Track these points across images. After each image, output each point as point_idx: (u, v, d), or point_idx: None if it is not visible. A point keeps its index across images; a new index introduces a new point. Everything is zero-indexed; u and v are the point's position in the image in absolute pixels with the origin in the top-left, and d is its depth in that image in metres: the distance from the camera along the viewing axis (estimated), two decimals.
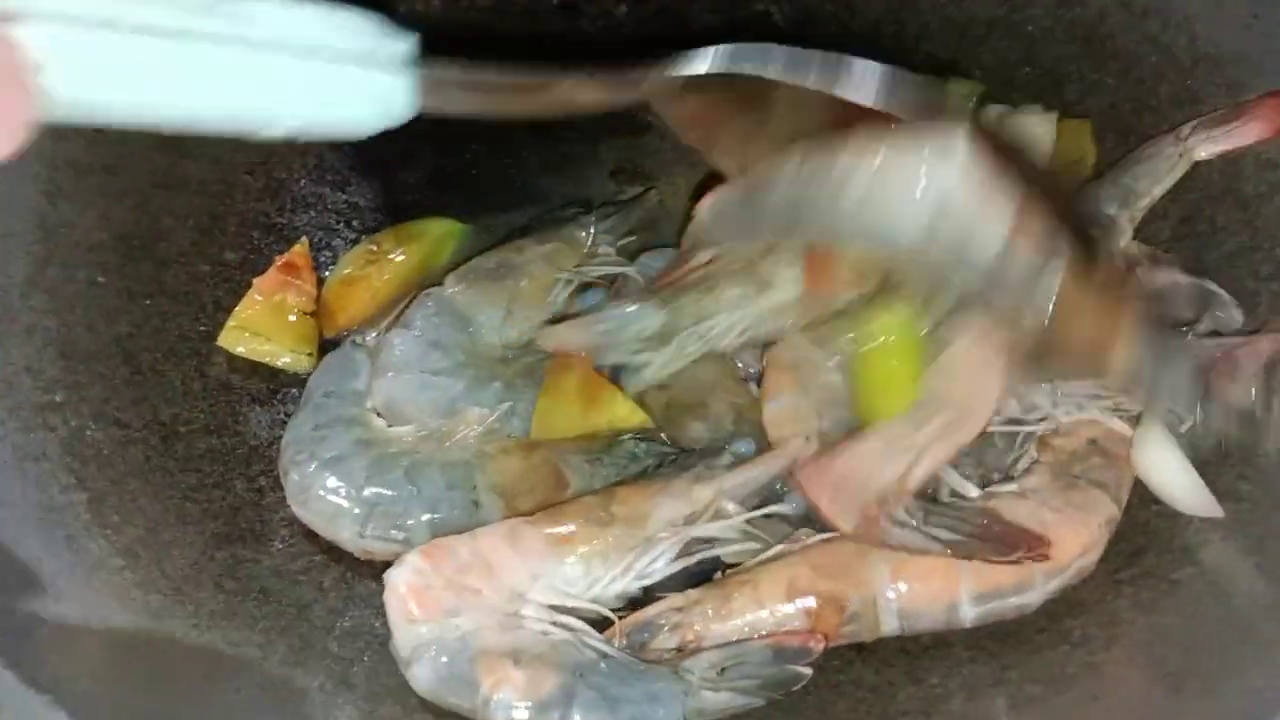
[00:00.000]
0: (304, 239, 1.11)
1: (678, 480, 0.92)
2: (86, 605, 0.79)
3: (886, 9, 1.27)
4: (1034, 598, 0.88)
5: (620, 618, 0.87)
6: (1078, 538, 0.89)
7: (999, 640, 0.87)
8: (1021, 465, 0.96)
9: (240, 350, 1.04)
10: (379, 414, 1.00)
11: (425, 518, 0.93)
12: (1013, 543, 0.87)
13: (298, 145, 1.17)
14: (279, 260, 1.08)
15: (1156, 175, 1.10)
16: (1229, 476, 0.93)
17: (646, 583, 0.89)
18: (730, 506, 0.92)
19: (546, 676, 0.82)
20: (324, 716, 0.81)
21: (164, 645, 0.80)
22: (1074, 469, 0.93)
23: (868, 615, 0.88)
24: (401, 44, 0.64)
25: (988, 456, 0.96)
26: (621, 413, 0.99)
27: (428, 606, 0.84)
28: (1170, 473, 0.93)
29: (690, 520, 0.90)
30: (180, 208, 1.10)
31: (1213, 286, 1.02)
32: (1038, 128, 1.09)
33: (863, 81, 0.74)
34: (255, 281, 1.06)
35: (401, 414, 0.99)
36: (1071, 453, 0.95)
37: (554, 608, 0.87)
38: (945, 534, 0.88)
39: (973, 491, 0.93)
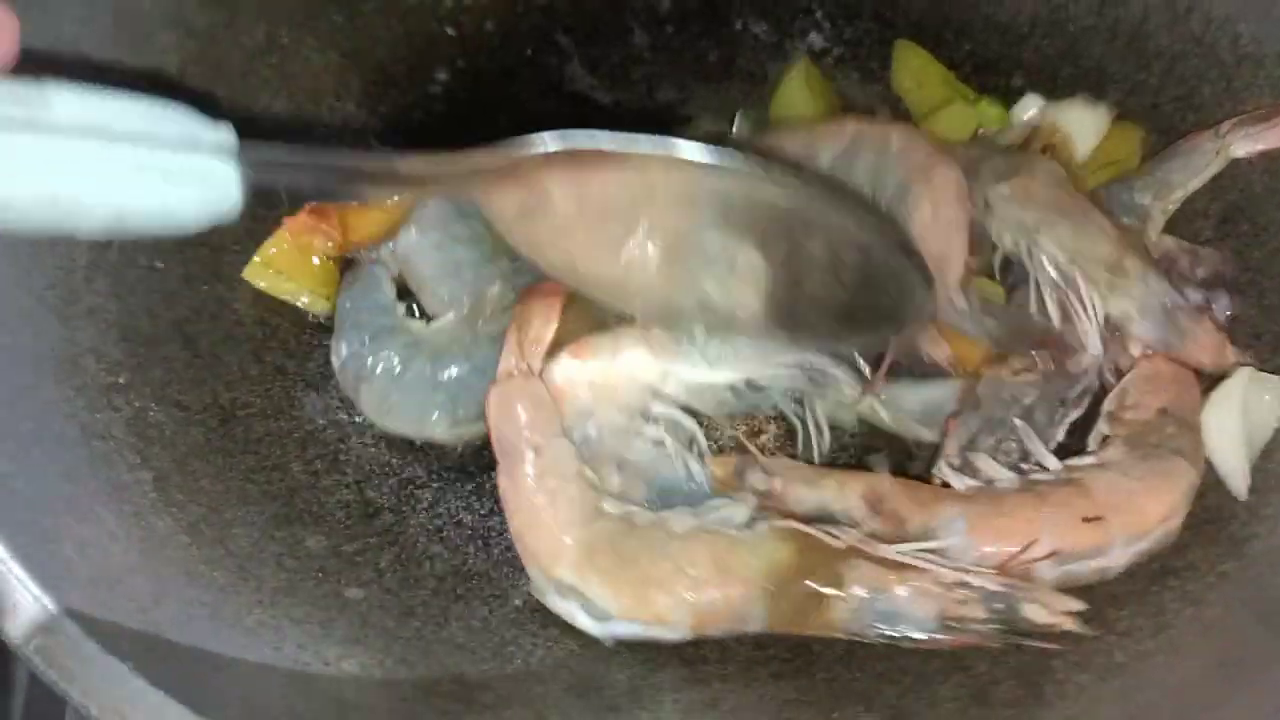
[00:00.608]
0: None
1: None
2: (158, 580, 0.81)
3: (930, 6, 1.28)
4: (1115, 561, 0.89)
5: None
6: (1160, 503, 0.91)
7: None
8: (1094, 439, 0.98)
9: (263, 285, 1.06)
10: (413, 312, 1.07)
11: None
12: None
13: (345, 136, 1.18)
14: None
15: (1193, 169, 1.11)
16: (1274, 472, 0.94)
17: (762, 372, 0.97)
18: None
19: (636, 487, 0.94)
20: (383, 690, 0.82)
21: (230, 619, 0.81)
22: (1150, 439, 0.95)
23: (922, 540, 0.89)
24: (220, 131, 0.63)
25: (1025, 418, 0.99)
26: None
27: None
28: (1226, 439, 0.95)
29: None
30: None
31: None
32: (1085, 118, 1.11)
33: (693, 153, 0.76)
34: (286, 220, 1.07)
35: (416, 272, 1.06)
36: (1145, 423, 0.96)
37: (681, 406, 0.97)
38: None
39: (1053, 463, 0.95)
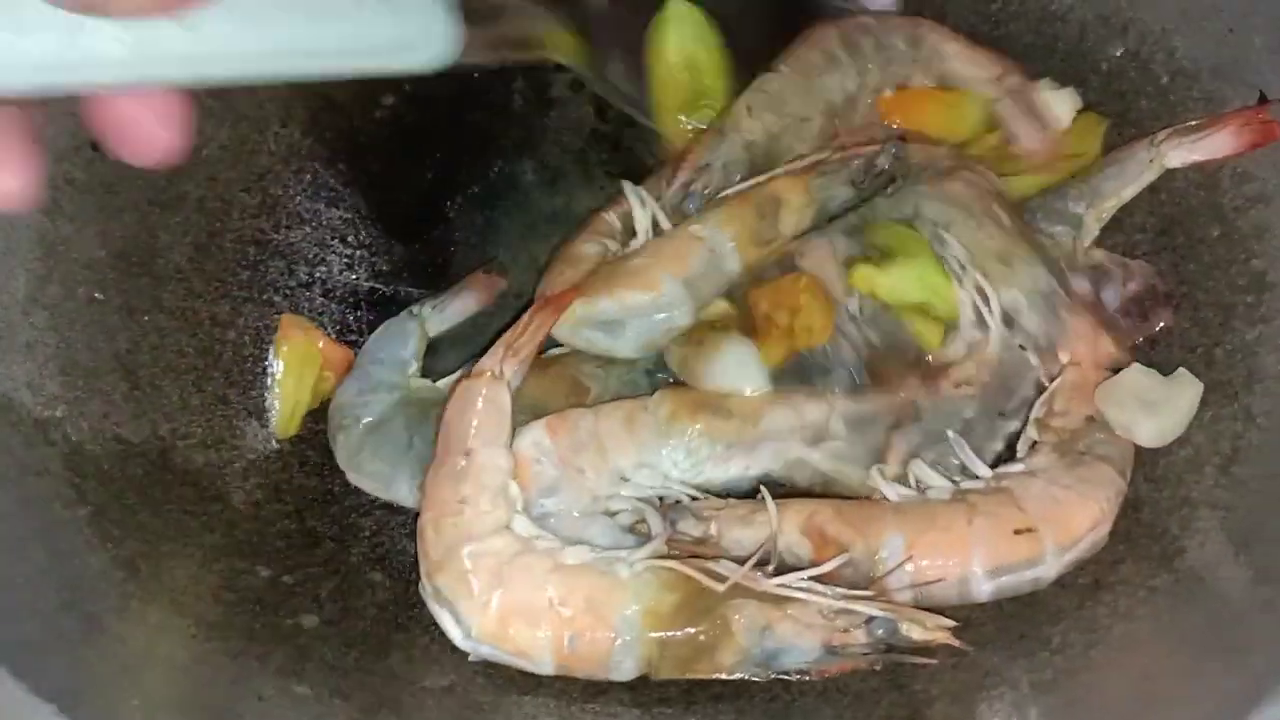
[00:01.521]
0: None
1: (796, 394, 0.97)
2: (89, 618, 0.80)
3: None
4: (1049, 571, 0.90)
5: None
6: (1089, 512, 0.91)
7: (980, 646, 0.89)
8: (1023, 446, 0.99)
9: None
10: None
11: None
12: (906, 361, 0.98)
13: (291, 163, 1.18)
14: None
15: (1127, 178, 1.11)
16: (1207, 484, 0.95)
17: (747, 474, 0.97)
18: (839, 428, 0.97)
19: None
20: None
21: (165, 656, 0.81)
22: (1078, 445, 0.96)
23: (867, 566, 0.90)
24: None
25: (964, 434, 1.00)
26: None
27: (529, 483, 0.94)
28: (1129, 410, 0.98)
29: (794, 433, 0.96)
30: (177, 225, 1.11)
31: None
32: (1058, 103, 1.11)
33: None
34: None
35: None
36: (1073, 431, 0.97)
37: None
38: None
39: (984, 470, 0.97)
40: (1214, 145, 1.09)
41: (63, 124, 1.07)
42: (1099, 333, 1.03)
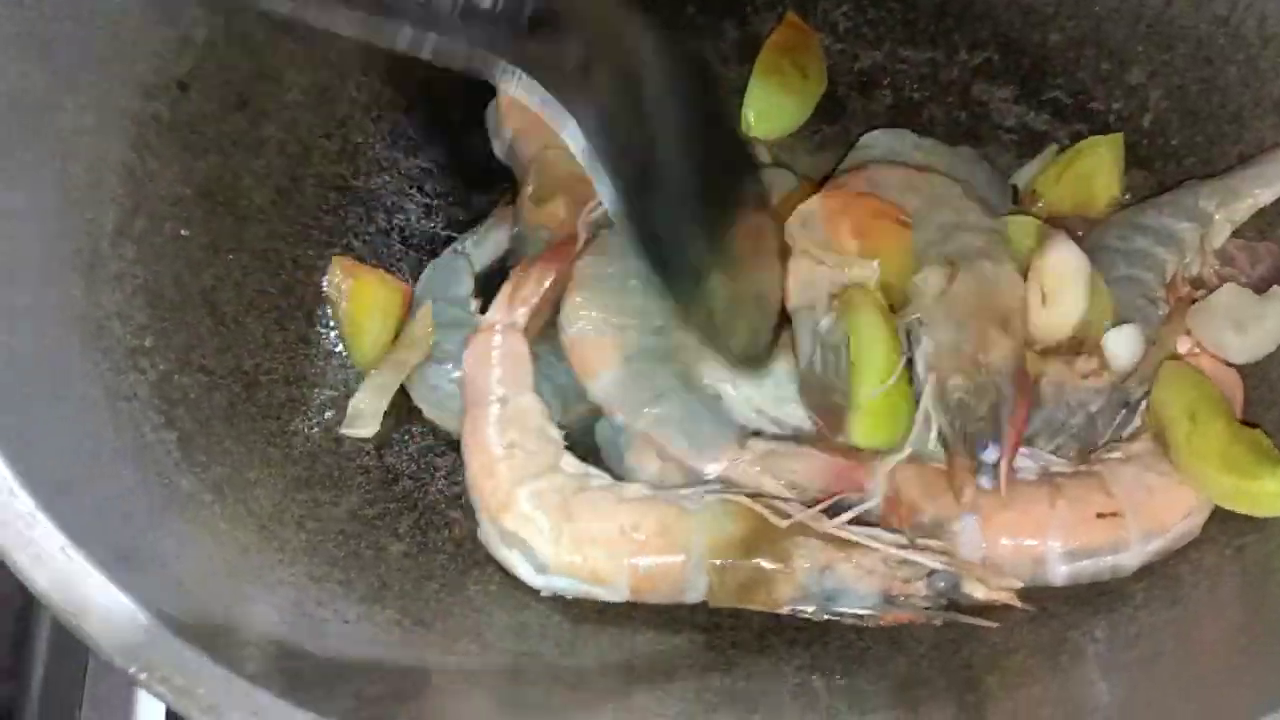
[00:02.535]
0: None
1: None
2: (181, 537, 0.81)
3: None
4: (1132, 559, 0.89)
5: None
6: (1181, 501, 0.90)
7: (1062, 602, 0.88)
8: (1126, 432, 0.97)
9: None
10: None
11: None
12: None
13: (371, 111, 1.19)
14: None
15: (1267, 179, 1.05)
16: None
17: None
18: None
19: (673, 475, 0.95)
20: (404, 651, 0.83)
21: (253, 575, 0.82)
22: None
23: (934, 532, 0.90)
24: None
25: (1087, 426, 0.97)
26: None
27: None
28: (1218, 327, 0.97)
29: None
30: (260, 168, 1.12)
31: None
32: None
33: None
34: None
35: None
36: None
37: None
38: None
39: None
40: None
41: (150, 62, 1.09)
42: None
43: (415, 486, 1.01)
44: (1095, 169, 1.15)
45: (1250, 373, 0.99)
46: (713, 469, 0.93)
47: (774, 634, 0.92)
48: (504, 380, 0.95)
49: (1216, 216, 1.04)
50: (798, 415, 0.96)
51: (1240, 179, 1.06)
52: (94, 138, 1.02)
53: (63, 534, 0.71)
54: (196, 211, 1.06)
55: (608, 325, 0.98)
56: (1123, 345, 0.95)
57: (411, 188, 1.17)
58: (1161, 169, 1.18)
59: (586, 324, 0.98)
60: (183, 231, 1.04)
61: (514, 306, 0.98)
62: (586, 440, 1.00)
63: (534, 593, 0.92)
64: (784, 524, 0.88)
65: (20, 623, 1.05)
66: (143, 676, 0.66)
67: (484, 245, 1.12)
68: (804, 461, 0.93)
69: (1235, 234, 1.06)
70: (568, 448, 0.96)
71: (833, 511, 0.90)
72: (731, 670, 0.88)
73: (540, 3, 0.72)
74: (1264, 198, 1.04)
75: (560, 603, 0.91)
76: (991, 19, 1.28)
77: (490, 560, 0.95)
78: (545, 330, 1.02)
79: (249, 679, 0.67)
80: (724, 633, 0.92)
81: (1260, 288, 1.00)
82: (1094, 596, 0.90)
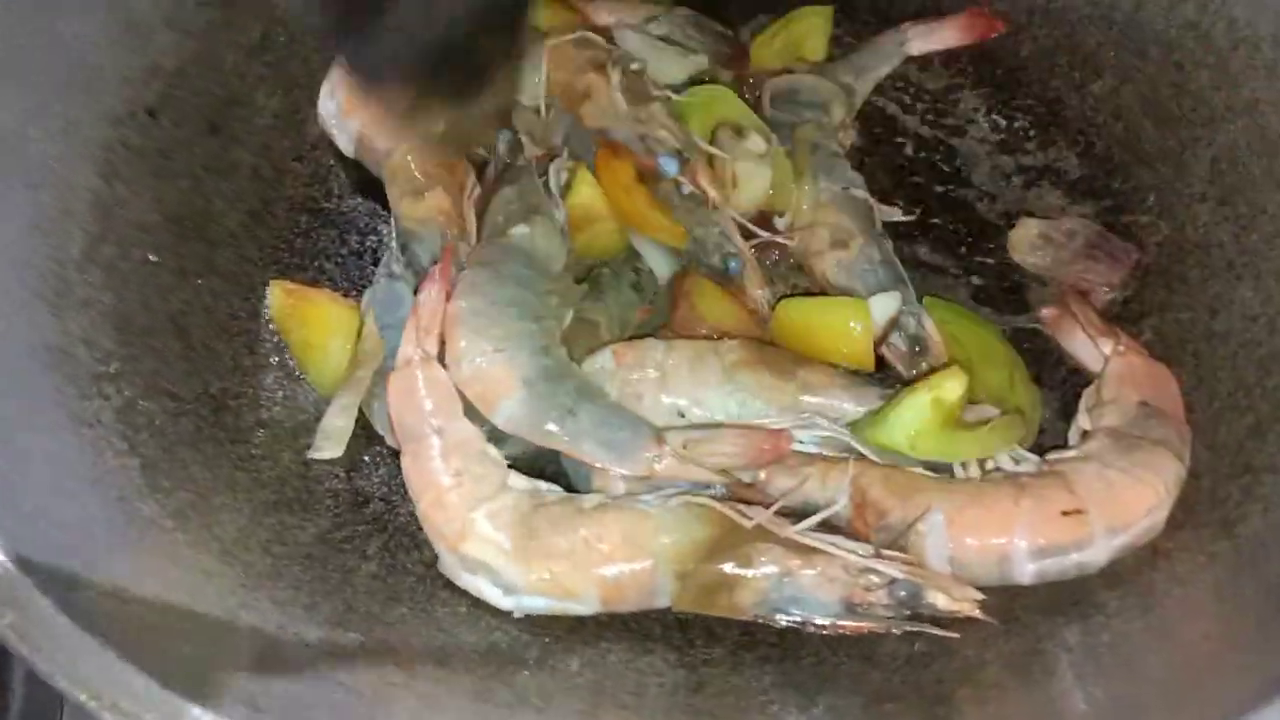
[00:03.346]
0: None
1: (865, 382, 0.99)
2: (139, 562, 0.81)
3: None
4: (1097, 555, 0.88)
5: None
6: (1143, 496, 0.90)
7: (1034, 613, 0.87)
8: (1074, 435, 0.98)
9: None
10: None
11: None
12: None
13: None
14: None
15: (884, 57, 1.27)
16: (1269, 450, 0.93)
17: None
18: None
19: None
20: (367, 674, 0.82)
21: (214, 601, 0.82)
22: (1133, 431, 0.94)
23: (901, 532, 0.90)
24: None
25: None
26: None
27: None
28: None
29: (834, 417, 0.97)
30: (231, 191, 1.13)
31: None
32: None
33: None
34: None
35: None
36: (1127, 417, 0.96)
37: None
38: None
39: (1032, 458, 0.96)
40: (948, 35, 1.27)
41: (119, 90, 1.09)
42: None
43: (385, 509, 1.00)
44: (807, 33, 1.27)
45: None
46: (638, 470, 0.93)
47: (746, 650, 0.91)
48: (436, 412, 0.94)
49: (856, 86, 1.23)
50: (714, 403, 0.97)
51: (863, 57, 1.26)
52: (62, 166, 1.02)
53: (12, 561, 0.70)
54: (166, 237, 1.06)
55: (496, 355, 0.95)
56: (879, 309, 1.04)
57: (384, 209, 1.17)
58: (1136, 174, 1.17)
59: (475, 357, 0.96)
60: (151, 257, 1.04)
61: (421, 337, 0.97)
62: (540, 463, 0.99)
63: (504, 615, 0.91)
64: (749, 524, 0.87)
65: None
66: (92, 704, 0.65)
67: (414, 263, 1.07)
68: (726, 442, 0.93)
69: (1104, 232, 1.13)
70: (511, 467, 0.95)
71: (799, 517, 0.90)
72: (703, 689, 0.88)
73: None
74: (882, 72, 1.26)
75: (529, 624, 0.91)
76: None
77: None
78: None
79: (203, 704, 0.67)
80: (696, 650, 0.91)
81: (1093, 251, 1.11)
82: (1066, 606, 0.89)
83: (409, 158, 1.09)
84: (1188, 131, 1.15)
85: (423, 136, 1.07)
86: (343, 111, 1.14)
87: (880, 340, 1.04)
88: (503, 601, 0.90)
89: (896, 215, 1.15)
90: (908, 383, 0.98)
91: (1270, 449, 0.93)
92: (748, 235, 1.10)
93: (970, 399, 0.96)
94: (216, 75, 1.16)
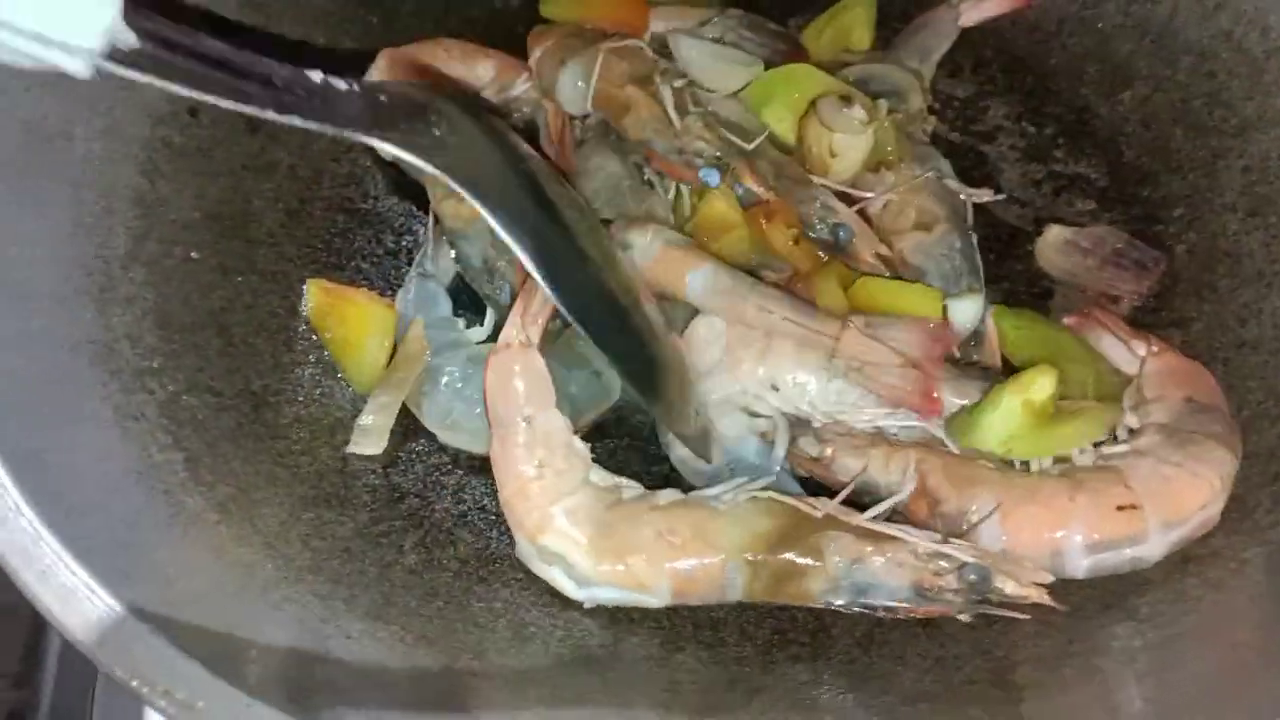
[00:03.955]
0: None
1: (967, 376, 0.99)
2: (185, 554, 0.83)
3: None
4: (1152, 550, 0.89)
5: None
6: (1199, 490, 0.90)
7: (1067, 616, 0.88)
8: (1121, 433, 0.98)
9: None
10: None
11: None
12: None
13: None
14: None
15: (944, 35, 1.27)
16: None
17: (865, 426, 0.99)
18: None
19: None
20: (405, 665, 0.83)
21: (257, 592, 0.83)
22: (1185, 426, 0.95)
23: (956, 522, 0.91)
24: None
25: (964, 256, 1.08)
26: None
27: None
28: None
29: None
30: (270, 191, 1.14)
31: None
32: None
33: None
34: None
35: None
36: (1175, 413, 0.96)
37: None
38: None
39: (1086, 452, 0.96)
40: (999, 3, 1.27)
41: (159, 90, 1.11)
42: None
43: (421, 504, 1.01)
44: (852, 23, 1.27)
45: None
46: (828, 334, 0.96)
47: (778, 649, 0.92)
48: (528, 399, 0.96)
49: (923, 70, 1.23)
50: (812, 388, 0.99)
51: (922, 39, 1.26)
52: (105, 165, 1.03)
53: (67, 551, 0.72)
54: (206, 235, 1.07)
55: (671, 241, 1.01)
56: (962, 314, 1.04)
57: (419, 209, 1.18)
58: (1166, 183, 1.18)
59: (657, 239, 1.01)
60: (193, 255, 1.05)
61: (526, 323, 0.98)
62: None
63: (539, 613, 0.92)
64: (818, 514, 0.89)
65: (32, 633, 1.06)
66: (144, 690, 0.66)
67: (441, 260, 1.12)
68: (902, 330, 0.96)
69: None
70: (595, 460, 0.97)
71: (861, 506, 0.91)
72: (735, 686, 0.89)
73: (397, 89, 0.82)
74: (944, 49, 1.27)
75: (564, 622, 0.92)
76: (996, 34, 1.28)
77: (495, 577, 0.95)
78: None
79: (249, 692, 0.68)
80: (728, 648, 0.92)
81: (1120, 261, 1.11)
82: (1098, 610, 0.89)
83: None
84: (1219, 141, 1.16)
85: None
86: None
87: (961, 344, 1.04)
88: (577, 593, 0.91)
89: (986, 196, 1.15)
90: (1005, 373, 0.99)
91: None
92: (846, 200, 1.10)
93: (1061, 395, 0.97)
94: None
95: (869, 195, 1.10)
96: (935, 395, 0.95)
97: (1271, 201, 1.10)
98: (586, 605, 0.92)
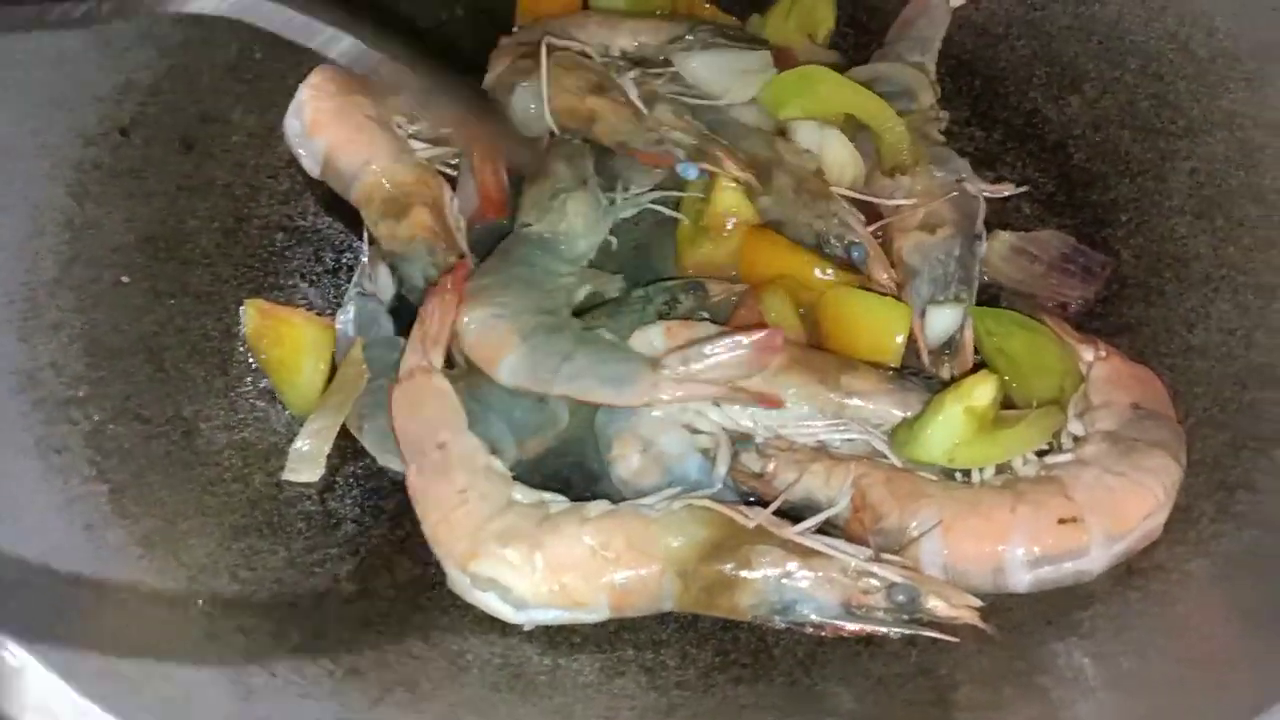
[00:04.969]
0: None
1: (908, 387, 0.98)
2: (102, 591, 0.81)
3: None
4: (1094, 563, 0.88)
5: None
6: (1142, 500, 0.89)
7: (1008, 632, 0.87)
8: (1066, 440, 0.97)
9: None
10: None
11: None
12: None
13: None
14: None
15: (939, 23, 1.27)
16: (1245, 467, 0.93)
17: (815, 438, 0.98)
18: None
19: (651, 472, 0.96)
20: (335, 701, 0.82)
21: (176, 631, 0.81)
22: (1129, 433, 0.93)
23: (897, 537, 0.90)
24: None
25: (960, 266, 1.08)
26: None
27: None
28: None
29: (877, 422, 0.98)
30: (205, 211, 1.13)
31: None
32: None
33: None
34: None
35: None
36: (1121, 420, 0.95)
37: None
38: None
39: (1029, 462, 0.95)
40: None
41: (91, 109, 1.09)
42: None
43: (358, 531, 0.99)
44: (815, 3, 1.28)
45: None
46: (640, 398, 0.95)
47: (719, 671, 0.90)
48: (442, 424, 0.94)
49: (926, 62, 1.23)
50: None
51: (919, 29, 1.26)
52: (33, 187, 1.02)
53: None
54: (138, 258, 1.06)
55: (497, 318, 0.99)
56: (939, 322, 1.05)
57: (351, 227, 1.16)
58: (1115, 186, 1.17)
59: (477, 323, 0.99)
60: (123, 278, 1.04)
61: (427, 348, 0.97)
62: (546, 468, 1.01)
63: (476, 640, 0.90)
64: (750, 524, 0.87)
65: None
66: None
67: (380, 279, 1.10)
68: (720, 350, 0.95)
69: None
70: (516, 478, 0.95)
71: (801, 517, 0.90)
72: (674, 712, 0.87)
73: None
74: (941, 34, 1.27)
75: (502, 649, 0.90)
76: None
77: (433, 605, 0.93)
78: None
79: None
80: (669, 672, 0.90)
81: (1066, 264, 1.09)
82: (1040, 625, 0.88)
83: (383, 179, 1.09)
84: (1166, 143, 1.15)
85: None
86: (308, 131, 1.13)
87: (934, 353, 1.05)
88: (515, 617, 0.89)
89: (1007, 190, 1.15)
90: (945, 383, 0.99)
91: (1246, 465, 0.93)
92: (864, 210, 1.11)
93: (1022, 406, 0.97)
94: (191, 93, 1.16)
95: (893, 203, 1.10)
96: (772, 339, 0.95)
97: (1218, 204, 1.09)
98: (526, 628, 0.90)
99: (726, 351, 0.95)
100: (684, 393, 0.95)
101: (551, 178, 1.11)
